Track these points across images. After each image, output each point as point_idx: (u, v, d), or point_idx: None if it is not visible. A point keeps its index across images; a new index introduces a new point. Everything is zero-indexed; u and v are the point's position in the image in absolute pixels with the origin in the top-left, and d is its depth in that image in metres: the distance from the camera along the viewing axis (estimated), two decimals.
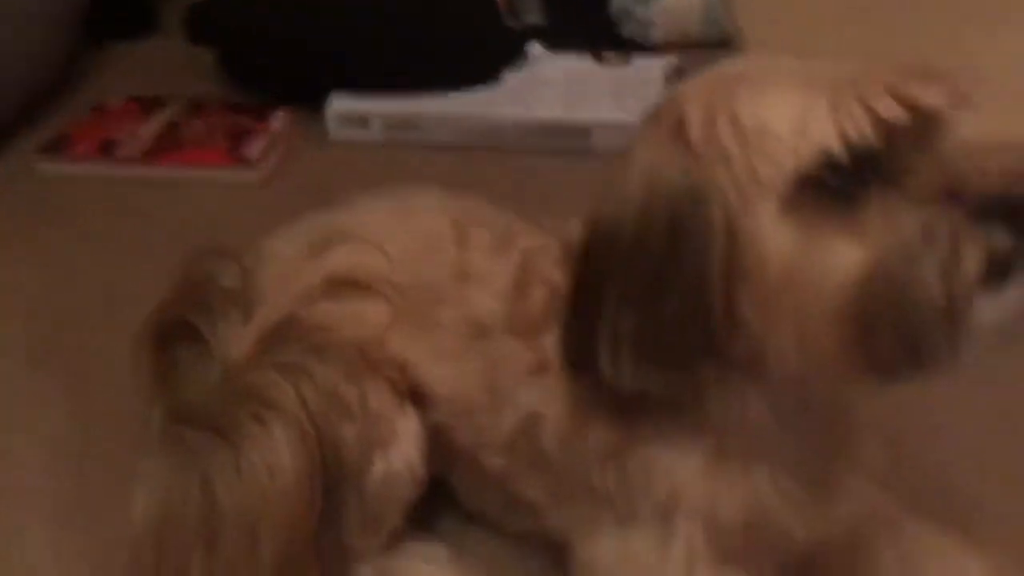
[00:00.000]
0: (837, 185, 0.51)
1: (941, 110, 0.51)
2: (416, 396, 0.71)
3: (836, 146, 0.50)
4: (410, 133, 1.28)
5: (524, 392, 0.67)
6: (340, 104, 1.30)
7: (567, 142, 1.25)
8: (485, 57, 1.33)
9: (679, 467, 0.60)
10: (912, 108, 0.50)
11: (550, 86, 1.31)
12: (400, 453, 0.70)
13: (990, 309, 0.50)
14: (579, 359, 0.59)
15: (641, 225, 0.54)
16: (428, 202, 0.77)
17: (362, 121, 1.28)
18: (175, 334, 0.71)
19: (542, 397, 0.66)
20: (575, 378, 0.61)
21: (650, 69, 1.33)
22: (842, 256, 0.51)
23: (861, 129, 0.49)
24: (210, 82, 1.46)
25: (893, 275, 0.50)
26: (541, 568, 0.74)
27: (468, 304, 0.70)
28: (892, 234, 0.50)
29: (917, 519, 0.72)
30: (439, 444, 0.73)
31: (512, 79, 1.33)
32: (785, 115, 0.51)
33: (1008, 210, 0.49)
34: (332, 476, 0.66)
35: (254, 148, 1.27)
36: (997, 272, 0.49)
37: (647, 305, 0.54)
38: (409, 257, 0.73)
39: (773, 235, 0.52)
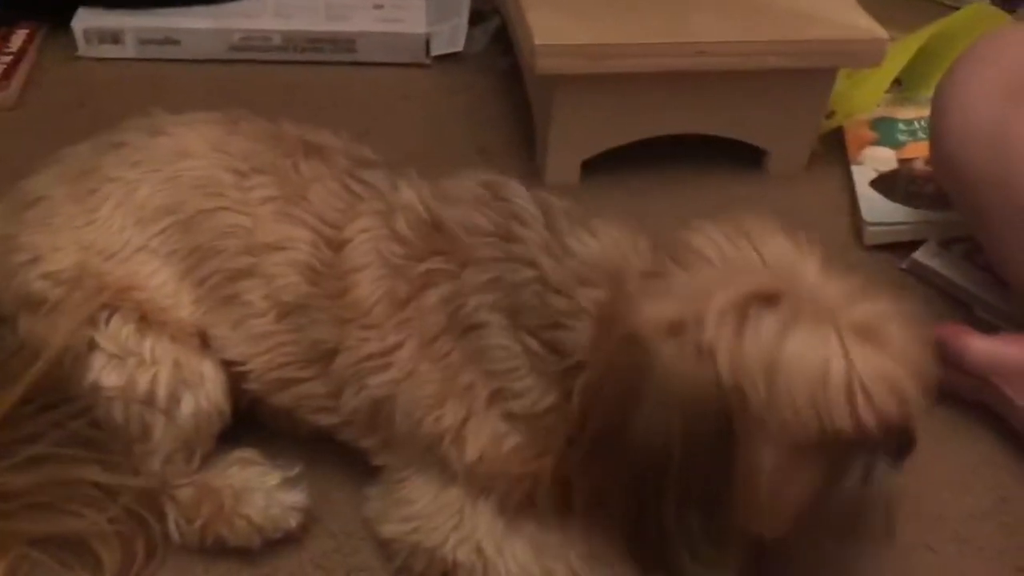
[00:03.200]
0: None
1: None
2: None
3: (848, 429, 0.58)
4: (167, 48, 1.24)
5: (372, 378, 0.70)
6: (88, 19, 1.23)
7: (331, 53, 1.26)
8: None
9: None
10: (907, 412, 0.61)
11: None
12: (206, 394, 0.74)
13: None
14: (653, 560, 0.65)
15: (690, 443, 0.59)
16: (200, 140, 0.76)
17: (114, 36, 1.22)
18: None
19: (392, 383, 0.70)
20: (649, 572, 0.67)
21: None
22: (809, 485, 0.61)
23: (870, 425, 0.58)
24: None
25: (841, 500, 0.62)
26: (351, 464, 0.78)
27: (272, 284, 0.72)
28: (846, 471, 0.61)
29: None
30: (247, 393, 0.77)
31: None
32: (811, 383, 0.58)
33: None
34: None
35: None
36: None
37: (704, 505, 0.62)
38: (185, 211, 0.74)
39: (769, 469, 0.59)
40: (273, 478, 0.75)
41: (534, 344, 0.67)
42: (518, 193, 0.72)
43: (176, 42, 1.24)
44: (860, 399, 0.58)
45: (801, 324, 0.59)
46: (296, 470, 0.77)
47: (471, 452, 0.69)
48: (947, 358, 0.88)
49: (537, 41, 0.99)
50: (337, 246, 0.71)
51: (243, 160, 0.75)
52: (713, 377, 0.58)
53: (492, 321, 0.68)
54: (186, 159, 0.76)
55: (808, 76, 1.08)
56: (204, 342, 0.75)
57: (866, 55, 1.07)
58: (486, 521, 0.71)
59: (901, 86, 1.24)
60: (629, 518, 0.64)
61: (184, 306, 0.74)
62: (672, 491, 0.61)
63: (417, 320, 0.69)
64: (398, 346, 0.69)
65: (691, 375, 0.59)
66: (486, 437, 0.68)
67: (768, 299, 0.59)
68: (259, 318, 0.73)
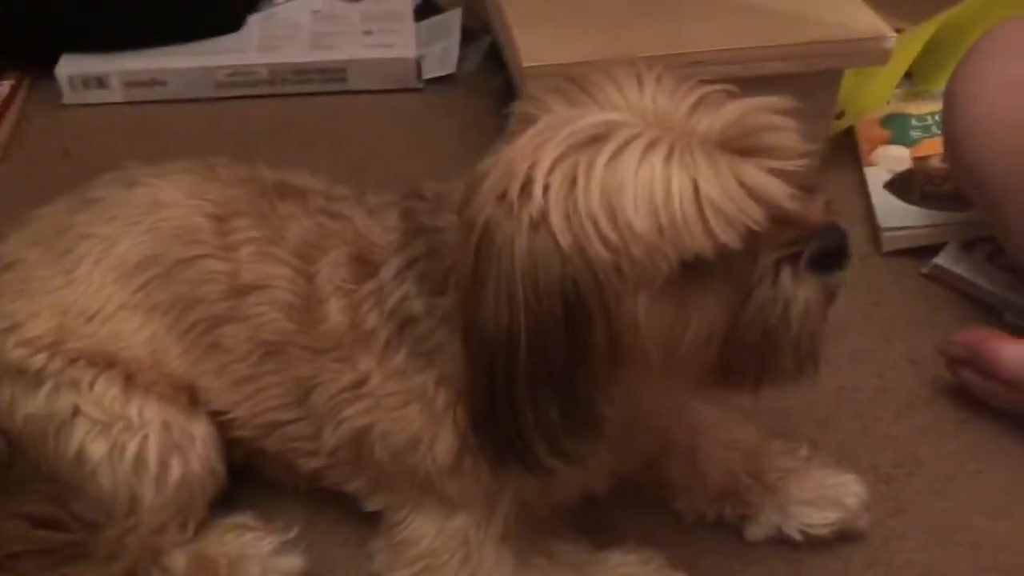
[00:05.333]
0: (699, 264, 0.54)
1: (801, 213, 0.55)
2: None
3: (706, 250, 0.53)
4: (154, 90, 1.21)
5: (347, 409, 0.68)
6: (72, 65, 1.21)
7: (321, 84, 1.23)
8: (225, 3, 1.28)
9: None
10: (779, 215, 0.54)
11: (298, 27, 1.28)
12: (197, 456, 0.72)
13: None
14: (509, 454, 0.59)
15: (536, 323, 0.54)
16: (176, 189, 0.74)
17: (99, 81, 1.20)
18: None
19: (367, 412, 0.67)
20: (500, 467, 0.61)
21: (399, 1, 1.32)
22: (708, 319, 0.56)
23: (730, 237, 0.53)
24: None
25: (751, 325, 0.56)
26: (354, 519, 0.76)
27: (252, 323, 0.70)
28: (747, 292, 0.56)
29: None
30: (241, 444, 0.75)
31: (257, 24, 1.28)
32: (654, 210, 0.52)
33: (835, 255, 0.57)
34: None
35: None
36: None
37: (560, 390, 0.57)
38: (165, 263, 0.71)
39: (648, 318, 0.55)
40: (269, 543, 0.73)
41: (445, 302, 0.63)
42: (426, 187, 0.69)
43: (163, 83, 1.21)
44: (711, 215, 0.52)
45: (632, 152, 0.53)
46: (294, 531, 0.74)
47: (463, 478, 0.66)
48: (978, 366, 0.84)
49: (525, 64, 0.96)
50: (310, 279, 0.69)
51: (221, 205, 0.73)
52: (551, 245, 0.53)
53: (415, 305, 0.64)
54: (163, 209, 0.73)
55: (812, 79, 1.03)
56: (193, 397, 0.72)
57: (870, 54, 1.02)
58: (493, 551, 0.69)
59: (912, 80, 1.19)
60: (482, 410, 0.59)
61: (172, 360, 0.72)
62: (524, 377, 0.56)
63: (372, 340, 0.66)
64: (368, 374, 0.66)
65: (527, 247, 0.54)
66: (470, 459, 0.65)
67: (596, 138, 0.54)
68: (242, 362, 0.71)
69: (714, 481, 0.77)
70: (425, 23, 1.31)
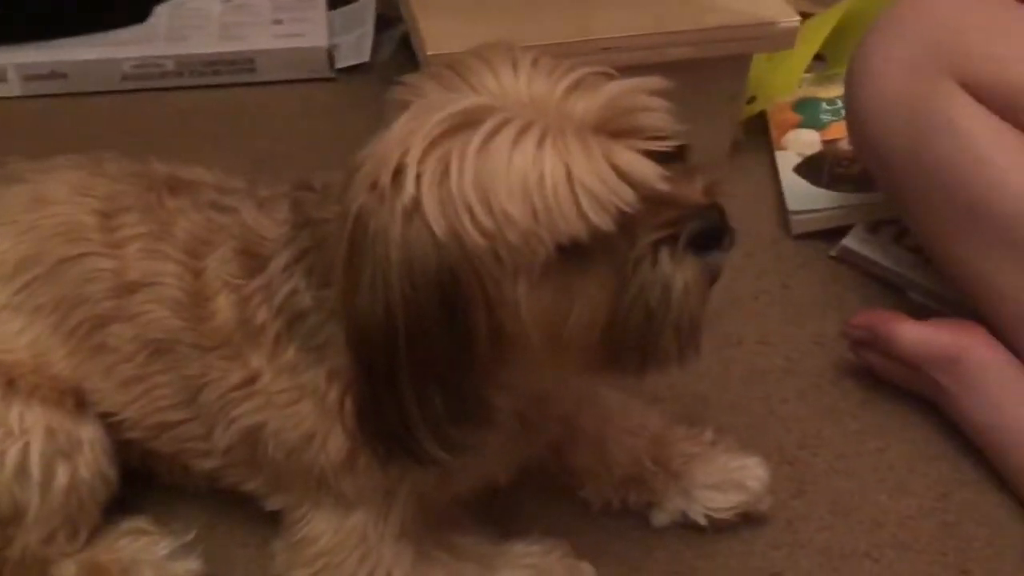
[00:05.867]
0: (577, 249, 0.53)
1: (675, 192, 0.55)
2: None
3: (581, 234, 0.52)
4: (55, 83, 1.18)
5: (238, 408, 0.66)
6: None
7: (230, 75, 1.20)
8: None
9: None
10: (655, 196, 0.53)
11: (206, 17, 1.25)
12: (85, 462, 0.69)
13: None
14: (396, 447, 0.58)
15: (414, 313, 0.53)
16: (60, 185, 0.71)
17: None
18: None
19: (258, 409, 0.66)
20: (388, 460, 0.60)
21: None
22: (589, 303, 0.55)
23: (603, 220, 0.52)
24: None
25: (632, 308, 0.56)
26: (255, 520, 0.74)
27: (139, 322, 0.68)
28: (627, 275, 0.55)
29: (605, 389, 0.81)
30: (134, 446, 0.73)
31: (164, 14, 1.25)
32: (527, 195, 0.51)
33: (714, 235, 0.57)
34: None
35: None
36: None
37: (444, 380, 0.56)
38: (47, 262, 0.69)
39: (529, 304, 0.54)
40: (165, 547, 0.71)
41: (332, 295, 0.61)
42: (315, 177, 0.68)
43: (63, 75, 1.18)
44: (583, 198, 0.51)
45: (504, 137, 0.52)
46: (192, 534, 0.73)
47: (357, 475, 0.65)
48: (878, 347, 0.85)
49: (429, 52, 0.94)
50: (198, 275, 0.67)
51: (108, 201, 0.71)
52: (425, 233, 0.52)
53: (304, 299, 0.63)
54: (46, 206, 0.71)
55: (721, 64, 1.04)
56: (81, 400, 0.70)
57: (776, 38, 1.03)
58: (391, 548, 0.68)
59: (824, 63, 1.20)
60: (367, 403, 0.58)
61: (57, 362, 0.69)
62: (406, 368, 0.55)
63: (261, 336, 0.65)
64: (259, 371, 0.65)
65: (401, 237, 0.53)
66: (364, 455, 0.63)
67: (469, 124, 0.53)
68: (129, 362, 0.69)
69: (619, 467, 0.77)
70: (339, 11, 1.29)
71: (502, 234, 0.52)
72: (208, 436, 0.69)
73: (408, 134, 0.53)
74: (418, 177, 0.52)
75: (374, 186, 0.53)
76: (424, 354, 0.55)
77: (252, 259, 0.66)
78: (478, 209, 0.52)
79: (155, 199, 0.70)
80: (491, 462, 0.67)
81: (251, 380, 0.65)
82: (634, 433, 0.78)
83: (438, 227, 0.52)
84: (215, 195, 0.72)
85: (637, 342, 0.57)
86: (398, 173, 0.53)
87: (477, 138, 0.52)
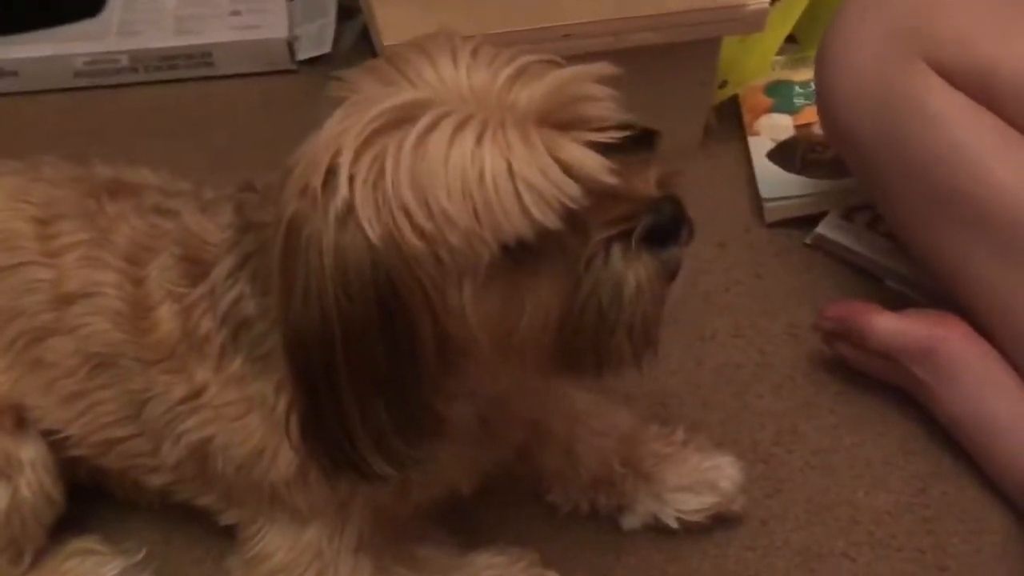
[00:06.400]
0: (524, 248, 0.51)
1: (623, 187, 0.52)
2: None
3: (526, 232, 0.49)
4: (5, 81, 1.13)
5: (184, 422, 0.64)
6: None
7: (187, 69, 1.17)
8: None
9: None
10: (606, 191, 0.50)
11: (161, 11, 1.20)
12: (27, 483, 0.67)
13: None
14: (341, 461, 0.55)
15: (350, 321, 0.50)
16: None
17: None
18: None
19: (205, 423, 0.63)
20: (334, 475, 0.57)
21: None
22: (540, 304, 0.52)
23: (548, 217, 0.49)
24: None
25: (585, 308, 0.53)
26: (211, 536, 0.72)
27: (79, 334, 0.65)
28: (579, 275, 0.52)
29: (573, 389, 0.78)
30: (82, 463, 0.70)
31: (117, 7, 1.20)
32: (467, 194, 0.49)
33: (669, 230, 0.53)
34: None
35: None
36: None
37: (386, 390, 0.53)
38: None
39: (476, 308, 0.52)
40: (115, 567, 0.69)
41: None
42: (258, 178, 0.65)
43: (13, 73, 1.13)
44: (526, 194, 0.49)
45: (442, 133, 0.49)
46: (142, 552, 0.71)
47: (309, 489, 0.62)
48: (851, 339, 0.83)
49: (385, 42, 0.91)
50: (139, 284, 0.64)
51: (44, 208, 0.68)
52: (360, 239, 0.50)
53: (248, 306, 0.60)
54: None
55: (689, 48, 1.01)
56: (21, 418, 0.67)
57: (745, 20, 0.99)
58: (348, 562, 0.66)
59: (796, 45, 1.18)
60: (308, 416, 0.55)
61: None
62: (345, 377, 0.52)
63: (206, 347, 0.62)
64: (205, 384, 0.62)
65: (334, 243, 0.50)
66: (316, 468, 0.60)
67: (404, 120, 0.50)
68: (70, 377, 0.66)
69: (587, 470, 0.75)
70: (299, 0, 1.25)
71: (442, 236, 0.49)
72: (156, 452, 0.66)
73: (340, 133, 0.50)
74: (351, 179, 0.49)
75: (305, 190, 0.50)
76: (364, 363, 0.52)
77: (195, 265, 0.63)
78: (415, 210, 0.49)
79: (95, 205, 0.67)
80: (452, 471, 0.64)
81: (197, 393, 0.63)
82: (603, 434, 0.76)
83: (373, 231, 0.49)
84: (159, 198, 0.69)
85: (591, 344, 0.54)
86: (330, 175, 0.50)
87: (413, 135, 0.49)
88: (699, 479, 0.74)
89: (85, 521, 0.73)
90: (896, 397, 0.83)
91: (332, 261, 0.50)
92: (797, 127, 1.07)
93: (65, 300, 0.65)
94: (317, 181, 0.50)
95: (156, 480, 0.68)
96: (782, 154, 1.05)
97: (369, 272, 0.50)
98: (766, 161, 1.04)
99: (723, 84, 1.12)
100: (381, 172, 0.49)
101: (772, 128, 1.08)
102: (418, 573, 0.67)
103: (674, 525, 0.74)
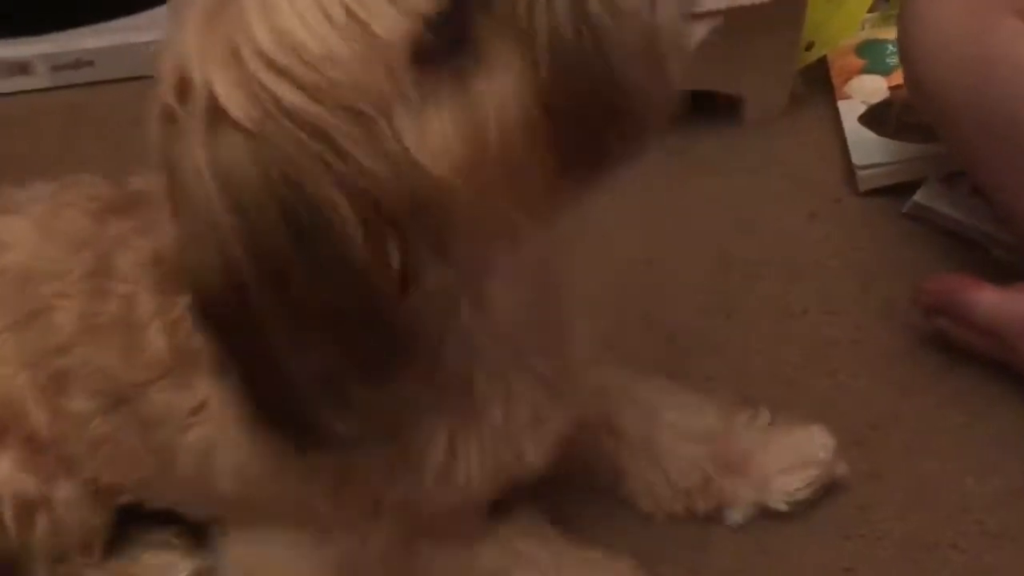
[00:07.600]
0: (440, 50, 0.41)
1: None
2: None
3: (419, 22, 0.40)
4: (83, 73, 1.14)
5: (186, 436, 0.61)
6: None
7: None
8: None
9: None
10: None
11: None
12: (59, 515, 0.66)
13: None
14: (288, 427, 0.48)
15: (255, 247, 0.42)
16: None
17: (23, 67, 1.13)
18: None
19: (207, 443, 0.60)
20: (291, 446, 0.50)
21: None
22: (499, 92, 0.42)
23: None
24: None
25: (555, 65, 0.42)
26: None
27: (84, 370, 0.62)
28: (526, 31, 0.41)
29: (647, 376, 0.75)
30: None
31: None
32: (331, 18, 0.40)
33: None
34: None
35: None
36: None
37: (325, 320, 0.44)
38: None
39: (426, 142, 0.42)
40: (184, 567, 0.69)
41: None
42: None
43: (90, 63, 1.13)
44: None
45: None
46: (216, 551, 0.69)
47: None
48: (953, 315, 0.77)
49: None
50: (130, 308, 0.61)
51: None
52: (237, 139, 0.41)
53: None
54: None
55: (772, 9, 0.96)
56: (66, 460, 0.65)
57: None
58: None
59: (888, 1, 1.11)
60: (244, 379, 0.46)
61: (30, 413, 0.65)
62: (271, 321, 0.43)
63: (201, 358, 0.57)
64: (207, 396, 0.59)
65: (210, 159, 0.41)
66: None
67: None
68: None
69: (678, 479, 0.71)
70: None
71: (330, 84, 0.40)
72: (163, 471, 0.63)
73: (179, 40, 0.42)
74: (204, 72, 0.41)
75: (165, 115, 0.42)
76: (286, 296, 0.43)
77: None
78: (286, 64, 0.40)
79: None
80: (518, 437, 0.58)
81: (197, 409, 0.60)
82: (689, 439, 0.72)
83: (247, 116, 0.41)
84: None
85: (585, 110, 0.42)
86: (183, 84, 0.42)
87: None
88: (795, 456, 0.71)
89: None
90: (1002, 375, 0.77)
91: (214, 181, 0.42)
92: (891, 88, 1.01)
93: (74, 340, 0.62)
94: (172, 98, 0.42)
95: (164, 499, 0.68)
96: (875, 118, 0.99)
97: (257, 176, 0.41)
98: (858, 126, 0.98)
99: (809, 46, 1.06)
100: (233, 48, 0.41)
101: (864, 91, 1.02)
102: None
103: (783, 508, 0.71)
